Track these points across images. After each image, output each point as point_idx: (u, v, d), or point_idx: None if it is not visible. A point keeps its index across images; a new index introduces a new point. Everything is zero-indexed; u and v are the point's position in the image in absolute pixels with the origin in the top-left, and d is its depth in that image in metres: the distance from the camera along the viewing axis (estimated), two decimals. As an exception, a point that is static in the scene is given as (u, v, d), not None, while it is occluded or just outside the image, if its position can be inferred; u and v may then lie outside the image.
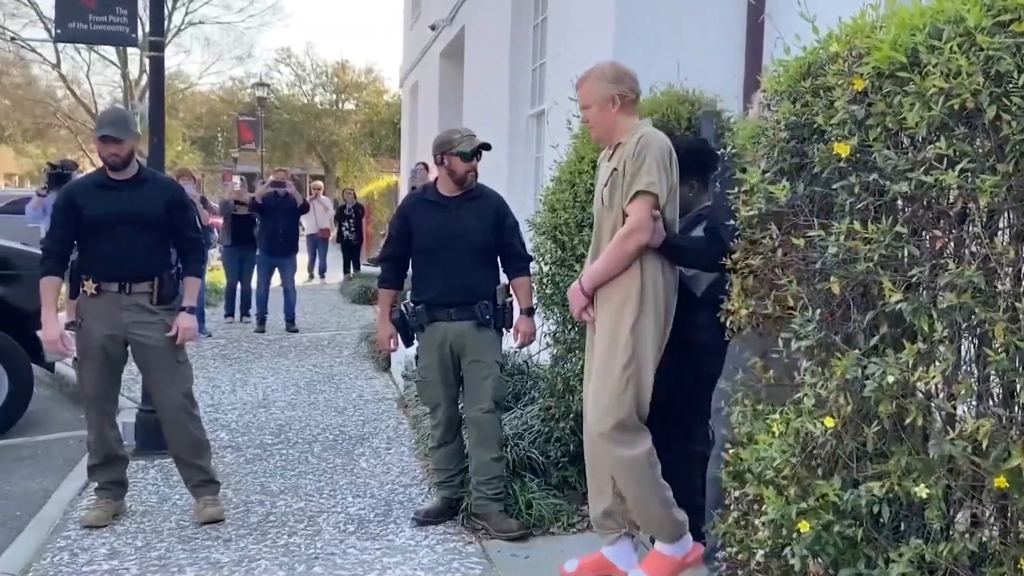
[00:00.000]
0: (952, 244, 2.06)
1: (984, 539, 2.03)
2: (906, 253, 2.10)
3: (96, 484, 4.72)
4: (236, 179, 13.22)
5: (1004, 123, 1.87)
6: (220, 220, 11.82)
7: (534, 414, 5.00)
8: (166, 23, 7.76)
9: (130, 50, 27.01)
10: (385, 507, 4.87)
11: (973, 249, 2.01)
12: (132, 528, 4.56)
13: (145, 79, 27.50)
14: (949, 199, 2.02)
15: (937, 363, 2.03)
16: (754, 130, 2.68)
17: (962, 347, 2.07)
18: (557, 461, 4.76)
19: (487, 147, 4.58)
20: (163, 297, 4.57)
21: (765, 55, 5.54)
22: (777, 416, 2.41)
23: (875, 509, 2.14)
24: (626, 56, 5.59)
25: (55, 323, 4.54)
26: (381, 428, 6.60)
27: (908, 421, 2.06)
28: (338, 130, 39.35)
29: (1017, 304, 1.85)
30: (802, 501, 2.27)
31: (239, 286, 11.61)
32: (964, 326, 2.02)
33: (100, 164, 4.65)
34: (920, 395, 2.11)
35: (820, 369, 2.30)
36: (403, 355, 6.65)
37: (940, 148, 1.97)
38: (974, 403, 2.05)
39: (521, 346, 4.75)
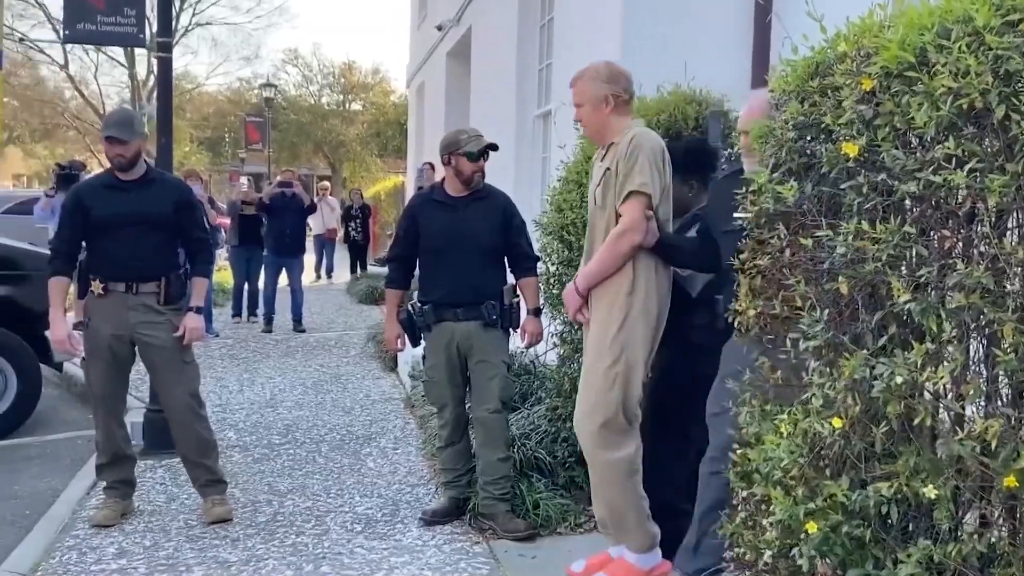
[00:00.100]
0: (961, 244, 2.05)
1: (993, 540, 2.02)
2: (914, 253, 2.09)
3: (104, 483, 4.74)
4: (243, 179, 13.25)
5: (1013, 123, 1.87)
6: (227, 220, 11.85)
7: (541, 414, 5.00)
8: (174, 24, 7.77)
9: (138, 51, 27.13)
10: (392, 507, 4.88)
11: (982, 249, 2.00)
12: (140, 527, 4.57)
13: (153, 80, 27.59)
14: (958, 199, 2.01)
15: (945, 363, 2.02)
16: (762, 130, 2.67)
17: (971, 347, 2.06)
18: (564, 461, 4.76)
19: (494, 147, 4.58)
20: (170, 297, 4.58)
21: (772, 55, 5.53)
22: (785, 416, 2.41)
23: (883, 510, 2.13)
24: (633, 56, 5.59)
25: (63, 323, 4.55)
26: (388, 428, 6.60)
27: (916, 421, 2.06)
28: (345, 130, 39.40)
29: (1026, 304, 1.85)
30: (810, 501, 2.26)
31: (246, 286, 11.63)
32: (973, 326, 2.01)
33: (108, 165, 4.66)
34: (928, 395, 2.10)
35: (828, 369, 2.30)
36: (410, 355, 6.65)
37: (949, 148, 1.96)
38: (983, 403, 2.05)
39: (528, 346, 4.76)
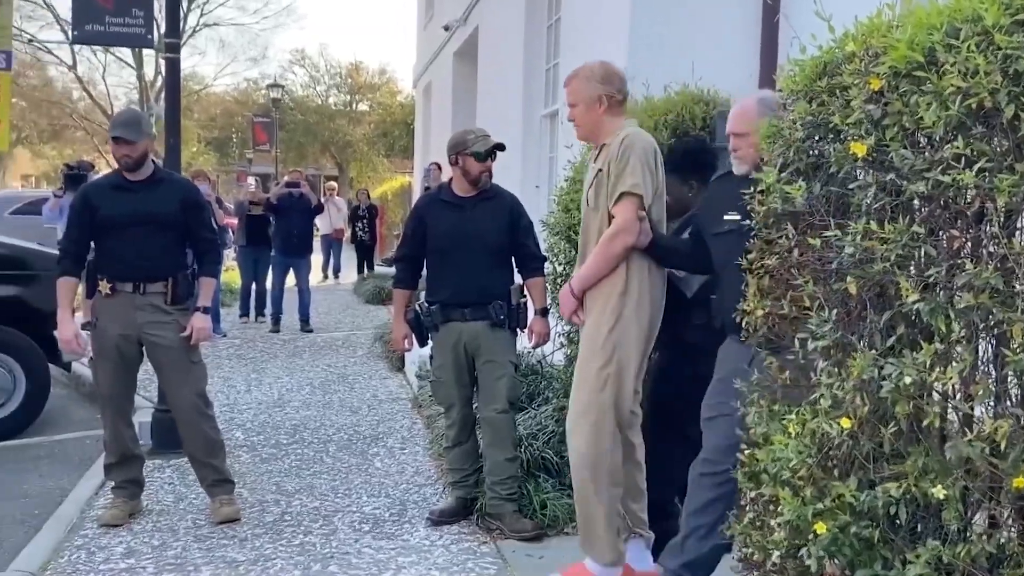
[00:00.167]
0: (970, 244, 2.05)
1: (1002, 541, 2.02)
2: (923, 253, 2.09)
3: (113, 483, 4.75)
4: (250, 180, 13.27)
5: (1022, 122, 1.86)
6: (235, 221, 11.87)
7: (548, 414, 5.00)
8: (181, 25, 7.80)
9: (145, 52, 27.17)
10: (400, 507, 4.89)
11: (991, 249, 2.00)
12: (148, 527, 4.58)
13: (160, 80, 27.71)
14: (966, 199, 2.01)
15: (954, 364, 2.02)
16: (770, 130, 2.67)
17: (980, 348, 2.06)
18: (571, 461, 4.76)
19: (501, 147, 4.58)
20: (177, 297, 4.59)
21: (780, 54, 5.53)
22: (793, 417, 2.41)
23: (892, 510, 2.13)
24: (639, 56, 5.60)
25: (70, 323, 4.57)
26: (395, 428, 6.61)
27: (925, 422, 2.05)
28: (352, 131, 39.43)
29: (1035, 304, 1.84)
30: (818, 502, 2.26)
31: (254, 286, 11.65)
32: (981, 326, 2.01)
33: (116, 165, 4.68)
34: (937, 396, 2.10)
35: (836, 370, 2.30)
36: (417, 355, 6.66)
37: (957, 148, 1.96)
38: (992, 404, 2.04)
39: (535, 346, 4.76)
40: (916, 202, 2.16)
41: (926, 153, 2.08)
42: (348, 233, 17.95)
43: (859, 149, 2.19)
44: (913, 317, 2.11)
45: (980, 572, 2.00)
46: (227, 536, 4.46)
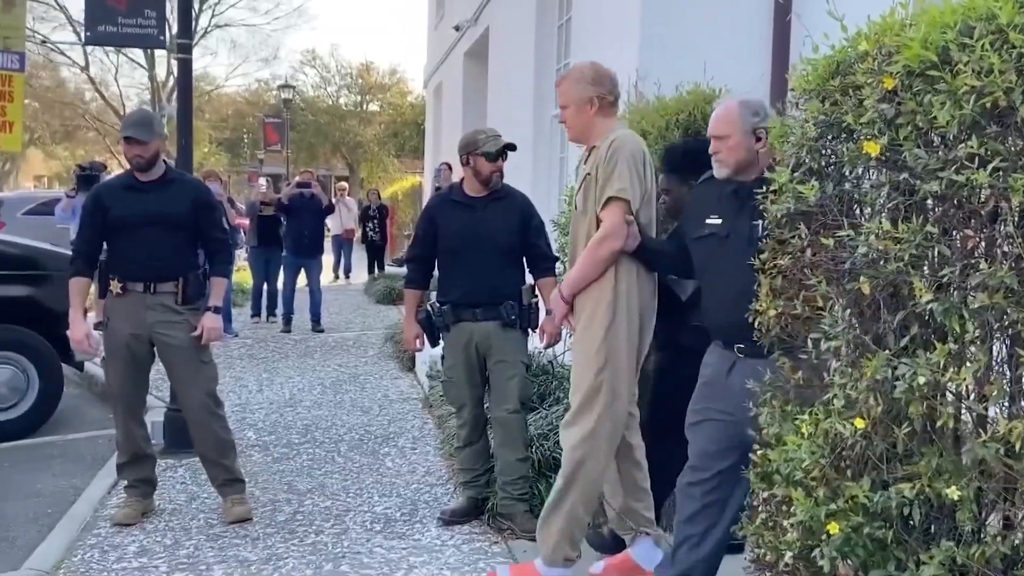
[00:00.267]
0: (984, 244, 2.04)
1: (1017, 542, 2.01)
2: (936, 253, 2.08)
3: (125, 482, 4.77)
4: (262, 180, 13.30)
5: (1037, 121, 1.85)
6: (247, 221, 11.90)
7: (559, 414, 4.98)
8: (193, 25, 7.82)
9: (157, 52, 27.26)
10: (411, 507, 4.89)
11: (1005, 249, 1.99)
12: (161, 526, 4.60)
13: (172, 81, 27.78)
14: (980, 198, 2.00)
15: (968, 364, 2.01)
16: (782, 129, 2.66)
17: (994, 348, 2.05)
18: (582, 461, 4.75)
19: (512, 147, 4.59)
20: (188, 297, 4.60)
21: (793, 54, 5.51)
22: (806, 417, 2.40)
23: (905, 511, 2.12)
24: (651, 55, 5.59)
25: (82, 323, 4.59)
26: (406, 428, 6.62)
27: (939, 423, 2.05)
28: (363, 131, 39.49)
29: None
30: (831, 503, 2.25)
31: (265, 286, 11.68)
32: (996, 326, 2.00)
33: (128, 166, 4.69)
34: (951, 396, 2.09)
35: (850, 370, 2.29)
36: (428, 355, 6.66)
37: (972, 147, 1.95)
38: (1006, 404, 2.03)
39: (547, 346, 4.75)
40: (930, 202, 2.15)
41: (940, 152, 2.07)
42: (359, 233, 17.97)
43: (872, 148, 2.18)
44: (927, 317, 2.10)
45: (994, 573, 1.99)
46: (239, 535, 4.47)
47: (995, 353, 2.05)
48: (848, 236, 2.26)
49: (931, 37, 2.06)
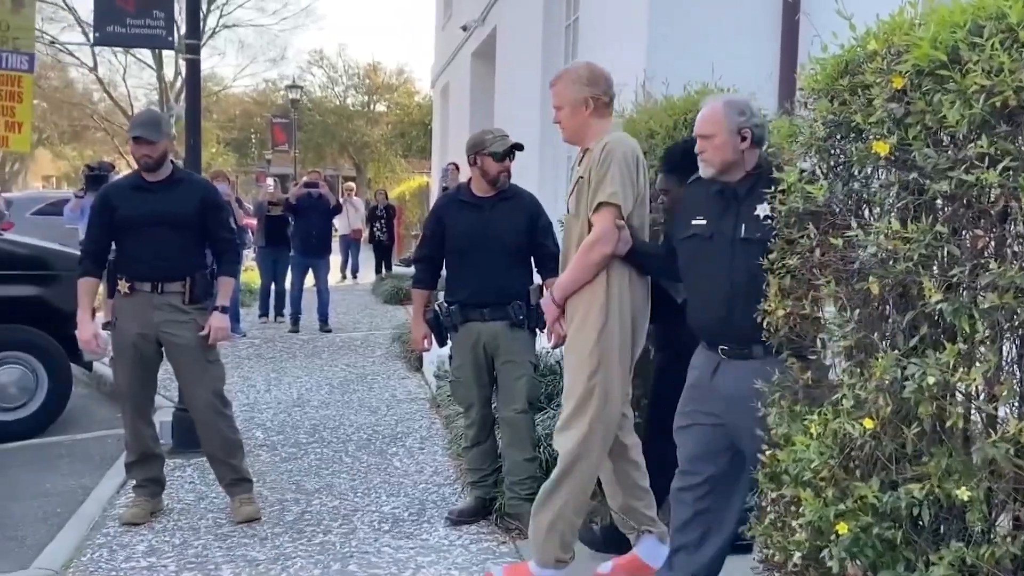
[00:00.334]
0: (993, 243, 2.03)
1: (1027, 542, 2.00)
2: (946, 253, 2.07)
3: (134, 482, 4.78)
4: (269, 180, 13.32)
5: (1047, 121, 1.85)
6: (255, 221, 11.92)
7: (567, 414, 4.99)
8: (201, 26, 7.83)
9: (165, 53, 27.35)
10: (419, 506, 4.89)
11: (1015, 248, 1.98)
12: (170, 526, 4.61)
13: (180, 82, 27.84)
14: (990, 198, 1.99)
15: (978, 364, 2.00)
16: (791, 129, 2.66)
17: (1004, 348, 2.04)
18: (590, 461, 4.75)
19: (519, 147, 4.58)
20: (195, 297, 4.61)
21: (801, 53, 5.50)
22: (815, 417, 2.40)
23: (915, 511, 2.11)
24: (659, 54, 5.59)
25: (89, 323, 4.60)
26: (414, 428, 6.62)
27: (949, 423, 2.04)
28: (370, 131, 39.54)
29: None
30: (840, 503, 2.25)
31: (273, 286, 11.69)
32: (1006, 326, 1.99)
33: (136, 166, 4.71)
34: (961, 396, 2.08)
35: (859, 370, 2.28)
36: (435, 355, 6.67)
37: (981, 146, 1.94)
38: (1016, 405, 2.03)
39: (555, 346, 4.74)
40: (939, 201, 2.15)
41: (949, 152, 2.07)
42: (366, 233, 17.99)
43: (881, 148, 2.18)
44: (936, 317, 2.10)
45: (1004, 574, 1.98)
46: (247, 535, 4.48)
47: (1005, 353, 2.04)
48: (857, 236, 2.26)
49: (941, 36, 2.06)
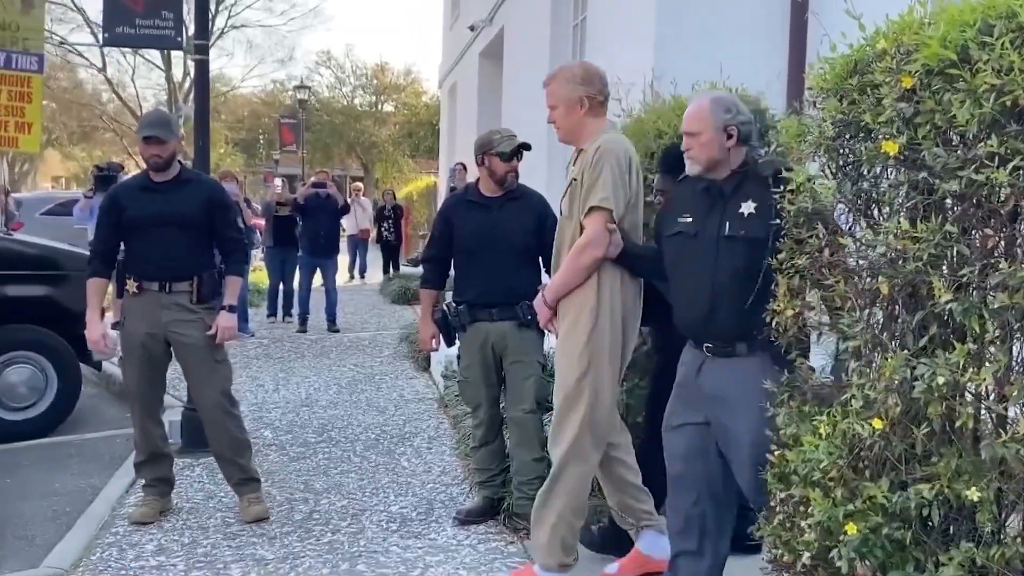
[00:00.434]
0: (1003, 243, 2.03)
1: (1037, 543, 1.99)
2: (955, 252, 2.07)
3: (143, 481, 4.80)
4: (277, 181, 13.35)
5: (1058, 120, 1.84)
6: (263, 221, 11.95)
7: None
8: (210, 26, 7.85)
9: (174, 53, 27.43)
10: (427, 506, 4.90)
11: (1026, 248, 1.98)
12: (179, 525, 4.62)
13: (188, 82, 27.92)
14: (1000, 197, 1.99)
15: (988, 364, 2.00)
16: (800, 128, 2.65)
17: (1014, 348, 2.03)
18: (598, 461, 4.75)
19: (527, 147, 4.59)
20: (203, 296, 4.62)
21: (809, 52, 5.49)
22: (824, 417, 2.39)
23: (924, 512, 2.11)
24: (667, 54, 5.58)
25: (98, 323, 4.62)
26: (422, 428, 6.63)
27: (958, 423, 2.04)
28: (377, 131, 39.59)
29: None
30: (849, 503, 2.24)
31: (281, 286, 11.71)
32: (1016, 326, 1.99)
33: (145, 166, 4.72)
34: (970, 396, 2.08)
35: (868, 370, 2.28)
36: (443, 355, 6.66)
37: (991, 146, 1.94)
38: (1026, 405, 2.02)
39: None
40: (949, 201, 2.14)
41: (959, 151, 2.06)
42: (374, 233, 18.01)
43: (891, 148, 2.17)
44: (946, 317, 2.09)
45: (1014, 575, 1.98)
46: (256, 534, 4.49)
47: (1015, 353, 2.03)
48: (866, 236, 2.25)
49: (950, 35, 2.05)
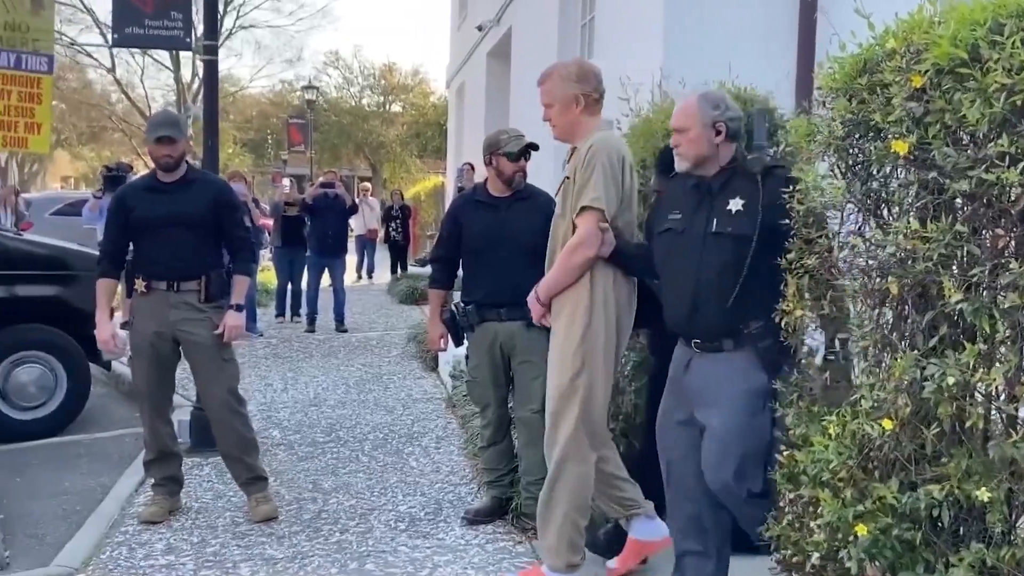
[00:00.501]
0: (1014, 243, 2.02)
1: (1048, 544, 1.99)
2: (966, 252, 2.06)
3: (152, 480, 4.81)
4: (285, 181, 13.37)
5: (1069, 119, 1.83)
6: (271, 221, 11.96)
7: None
8: (218, 27, 7.87)
9: (183, 54, 27.47)
10: (435, 506, 4.90)
11: (1036, 248, 1.97)
12: (188, 524, 4.63)
13: (197, 83, 27.99)
14: (1011, 197, 1.98)
15: (998, 364, 1.99)
16: (809, 128, 2.65)
17: (1024, 348, 2.03)
18: (606, 461, 4.75)
19: (535, 147, 4.58)
20: (211, 295, 4.63)
21: (818, 52, 5.48)
22: (833, 418, 2.39)
23: (934, 512, 2.10)
24: (675, 53, 5.57)
25: (107, 323, 4.63)
26: (430, 427, 6.63)
27: (969, 424, 2.03)
28: (385, 132, 39.64)
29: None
30: (859, 504, 2.24)
31: (289, 286, 11.73)
32: (1027, 327, 1.98)
33: (154, 166, 4.74)
34: (981, 397, 2.07)
35: (878, 370, 2.27)
36: (451, 355, 6.67)
37: (1002, 145, 1.93)
38: (1037, 405, 2.01)
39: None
40: (959, 200, 2.13)
41: (969, 151, 2.05)
42: (381, 233, 18.02)
43: (900, 147, 2.17)
44: (956, 317, 2.09)
45: (1025, 576, 1.97)
46: (265, 533, 4.50)
47: (1026, 353, 2.03)
48: (876, 235, 2.25)
49: (960, 34, 2.05)
